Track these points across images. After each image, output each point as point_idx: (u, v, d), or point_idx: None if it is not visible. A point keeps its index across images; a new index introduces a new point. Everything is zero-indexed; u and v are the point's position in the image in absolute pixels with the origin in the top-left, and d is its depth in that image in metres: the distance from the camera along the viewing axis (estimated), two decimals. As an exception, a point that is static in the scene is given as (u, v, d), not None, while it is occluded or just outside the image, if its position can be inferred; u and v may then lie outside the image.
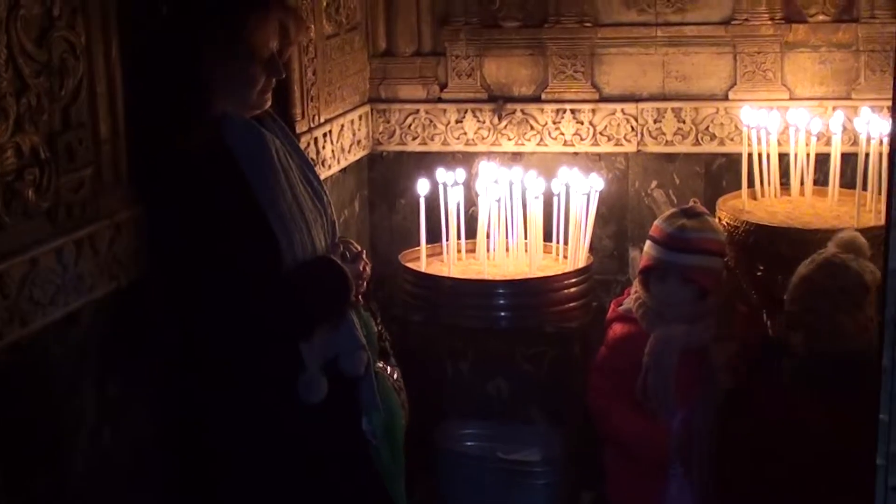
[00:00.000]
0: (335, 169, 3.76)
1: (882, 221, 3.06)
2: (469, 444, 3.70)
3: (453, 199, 3.58)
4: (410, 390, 2.85)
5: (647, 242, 3.23)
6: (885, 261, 1.62)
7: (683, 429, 2.98)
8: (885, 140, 3.34)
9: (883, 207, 3.15)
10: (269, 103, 2.58)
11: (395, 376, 2.79)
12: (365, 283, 2.67)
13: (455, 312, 3.49)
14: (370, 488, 2.68)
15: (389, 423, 2.69)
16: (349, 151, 3.89)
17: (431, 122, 4.08)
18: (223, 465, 2.56)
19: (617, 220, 4.02)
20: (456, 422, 3.74)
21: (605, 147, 3.98)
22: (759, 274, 3.37)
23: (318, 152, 3.58)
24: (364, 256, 2.67)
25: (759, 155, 3.57)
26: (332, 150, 3.71)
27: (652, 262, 3.18)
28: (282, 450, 2.55)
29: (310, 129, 3.51)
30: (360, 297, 2.65)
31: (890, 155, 1.78)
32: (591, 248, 3.68)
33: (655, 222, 3.25)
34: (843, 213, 3.44)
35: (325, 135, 3.64)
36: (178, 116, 2.43)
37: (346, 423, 2.62)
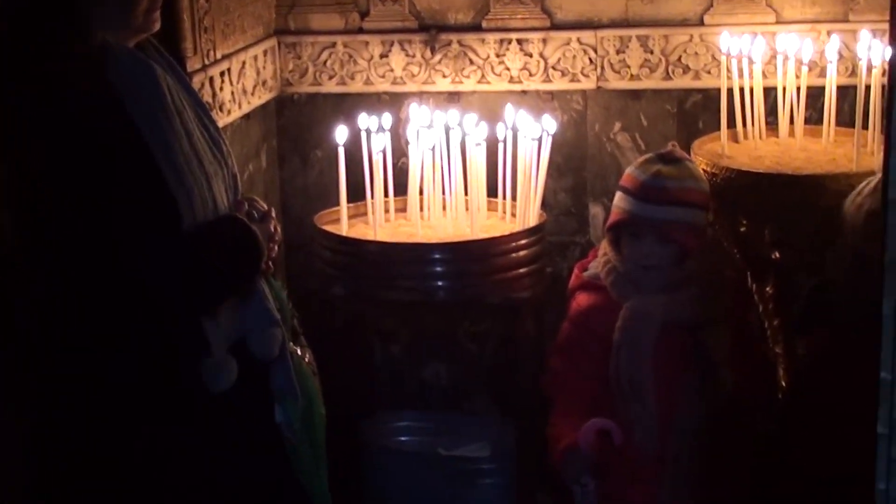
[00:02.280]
0: (236, 115, 3.73)
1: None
2: (404, 439, 3.74)
3: (378, 149, 3.57)
4: (333, 378, 2.90)
5: (618, 194, 3.21)
6: (884, 191, 1.65)
7: (596, 440, 2.99)
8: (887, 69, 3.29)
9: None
10: (157, 25, 2.55)
11: (308, 359, 2.79)
12: (276, 248, 2.66)
13: (384, 284, 3.47)
14: (287, 491, 2.67)
15: (308, 413, 2.69)
16: (253, 94, 3.86)
17: (351, 57, 4.04)
18: (105, 472, 2.52)
19: (574, 171, 4.01)
20: (387, 414, 3.80)
21: (559, 84, 3.96)
22: (742, 230, 3.36)
23: (214, 95, 3.54)
24: (273, 215, 2.67)
25: (741, 89, 3.58)
26: (232, 93, 3.69)
27: (623, 216, 3.16)
28: (181, 449, 2.52)
29: (203, 68, 3.48)
30: (270, 263, 2.63)
31: (890, 77, 1.74)
32: (544, 205, 3.68)
33: (627, 170, 3.23)
34: (840, 155, 3.44)
35: (222, 74, 3.62)
36: (47, 46, 2.38)
37: (257, 415, 2.62)
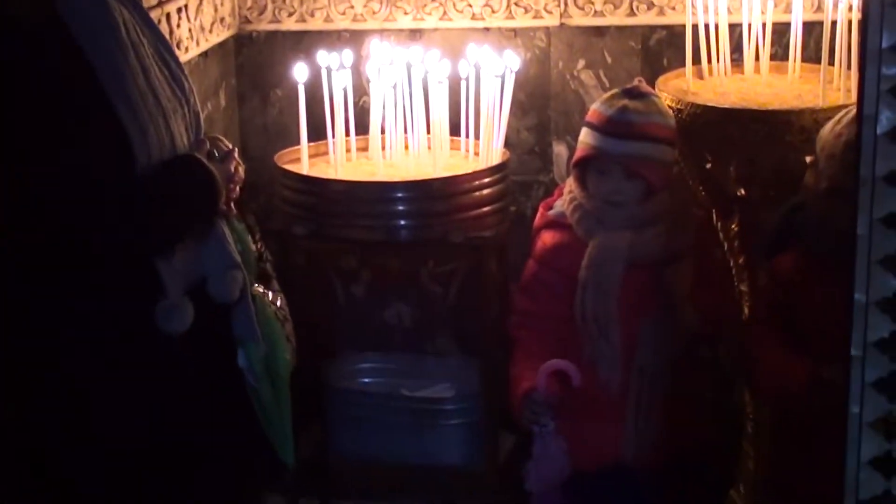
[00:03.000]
0: (194, 53, 3.71)
1: (851, 100, 3.07)
2: (366, 381, 3.79)
3: (339, 88, 3.53)
4: (294, 319, 2.87)
5: (584, 130, 3.23)
6: (859, 109, 1.68)
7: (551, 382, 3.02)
8: (856, 4, 3.33)
9: (853, 84, 3.17)
10: None
11: (279, 303, 2.80)
12: (237, 189, 2.66)
13: (345, 223, 3.47)
14: (248, 437, 2.69)
15: (271, 357, 2.70)
16: (210, 31, 3.84)
17: (311, -8, 4.03)
18: (57, 423, 2.51)
19: (538, 109, 4.01)
20: (350, 356, 3.82)
21: (522, 20, 3.95)
22: (707, 166, 3.37)
23: (171, 32, 3.52)
24: (236, 156, 2.67)
25: (706, 26, 3.54)
26: (190, 30, 3.67)
27: (589, 151, 3.19)
28: (136, 395, 2.52)
29: (160, 3, 3.46)
30: (231, 204, 2.64)
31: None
32: (508, 144, 3.68)
33: (593, 106, 3.26)
34: (806, 91, 3.44)
35: (179, 10, 3.59)
36: None
37: (217, 359, 2.63)
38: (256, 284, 2.75)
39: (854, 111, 2.82)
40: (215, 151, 2.61)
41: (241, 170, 2.68)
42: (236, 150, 2.68)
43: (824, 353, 2.78)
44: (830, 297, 2.82)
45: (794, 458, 2.93)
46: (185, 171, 2.50)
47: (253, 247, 2.75)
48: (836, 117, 2.90)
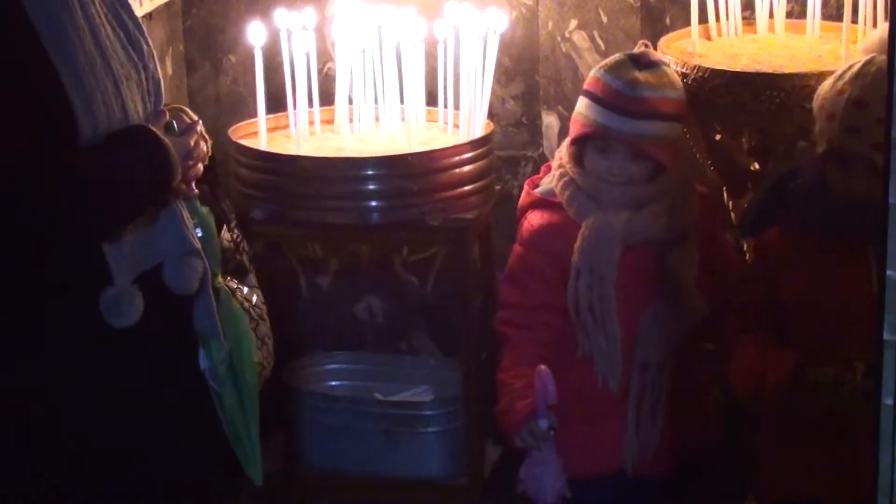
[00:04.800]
0: (137, 14, 3.54)
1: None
2: (334, 384, 3.81)
3: (301, 52, 3.52)
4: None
5: (583, 101, 3.20)
6: (890, 64, 1.64)
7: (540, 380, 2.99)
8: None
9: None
10: None
11: (255, 300, 2.82)
12: (199, 166, 2.64)
13: (308, 205, 3.47)
14: (209, 446, 2.69)
15: (235, 357, 2.69)
16: None
17: (267, -55, 3.99)
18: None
19: (525, 75, 4.00)
20: (316, 356, 3.87)
21: None
22: (716, 138, 3.38)
23: None
24: (201, 130, 2.65)
25: None
26: None
27: (592, 128, 3.16)
28: (76, 397, 2.51)
29: None
30: (192, 184, 2.63)
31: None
32: (492, 114, 3.68)
33: (594, 73, 3.21)
34: (827, 52, 3.45)
35: None
36: None
37: (174, 359, 2.62)
38: (229, 278, 2.76)
39: (859, 64, 2.85)
40: (174, 124, 2.59)
41: (206, 146, 2.66)
42: (200, 123, 2.67)
43: (810, 347, 2.80)
44: (817, 277, 2.87)
45: (779, 462, 2.97)
46: (135, 145, 2.48)
47: (224, 235, 2.76)
48: (838, 73, 2.90)
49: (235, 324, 2.70)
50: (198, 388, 2.65)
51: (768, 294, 2.94)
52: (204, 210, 2.68)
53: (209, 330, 2.63)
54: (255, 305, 2.80)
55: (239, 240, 2.82)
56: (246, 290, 2.79)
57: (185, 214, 2.59)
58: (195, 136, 2.61)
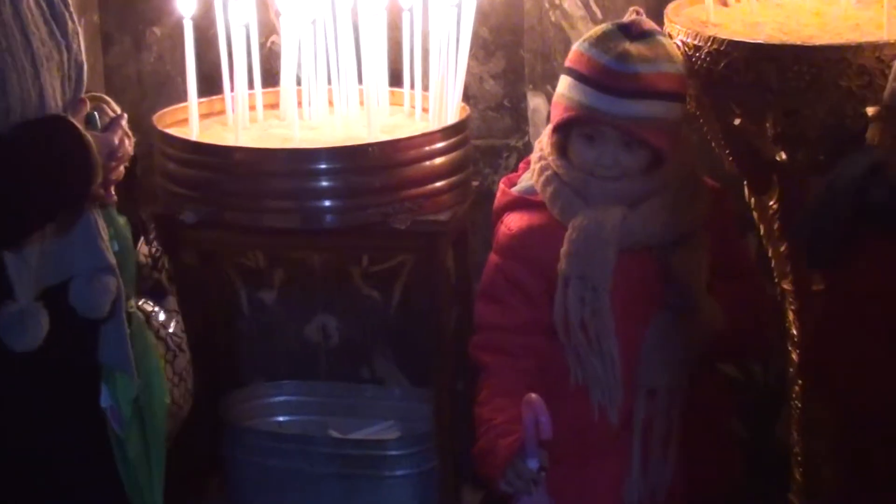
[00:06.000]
0: None
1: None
2: (282, 419, 3.86)
3: (239, 24, 3.55)
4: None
5: (566, 80, 3.21)
6: None
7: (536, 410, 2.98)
8: None
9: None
10: None
11: (173, 327, 2.85)
12: (122, 168, 2.68)
13: (250, 206, 3.48)
14: (102, 495, 2.71)
15: (145, 397, 2.73)
16: None
17: None
18: None
19: (507, 50, 4.03)
20: (259, 387, 3.89)
21: None
22: (735, 123, 3.36)
23: None
24: (124, 124, 2.68)
25: None
26: None
27: (577, 112, 3.16)
28: None
29: None
30: (111, 188, 2.66)
31: None
32: (467, 96, 3.72)
33: (577, 46, 3.23)
34: (866, 20, 3.43)
35: None
36: None
37: (73, 394, 2.64)
38: (144, 300, 2.79)
39: None
40: (96, 116, 2.62)
41: (130, 144, 2.69)
42: (125, 117, 2.69)
43: None
44: None
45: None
46: (51, 138, 2.50)
47: (144, 249, 2.80)
48: None
49: (148, 357, 2.73)
50: (96, 432, 2.67)
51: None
52: (121, 220, 2.71)
53: (118, 362, 2.65)
54: (172, 334, 2.84)
55: (158, 255, 2.84)
56: (163, 315, 2.82)
57: (101, 224, 2.61)
58: (120, 133, 2.64)
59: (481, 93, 4.00)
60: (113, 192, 2.67)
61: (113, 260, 2.61)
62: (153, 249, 2.86)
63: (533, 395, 2.96)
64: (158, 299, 2.85)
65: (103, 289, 2.60)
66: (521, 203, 3.24)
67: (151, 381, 2.73)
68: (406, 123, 3.64)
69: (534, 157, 3.27)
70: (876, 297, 2.73)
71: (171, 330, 2.85)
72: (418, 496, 3.66)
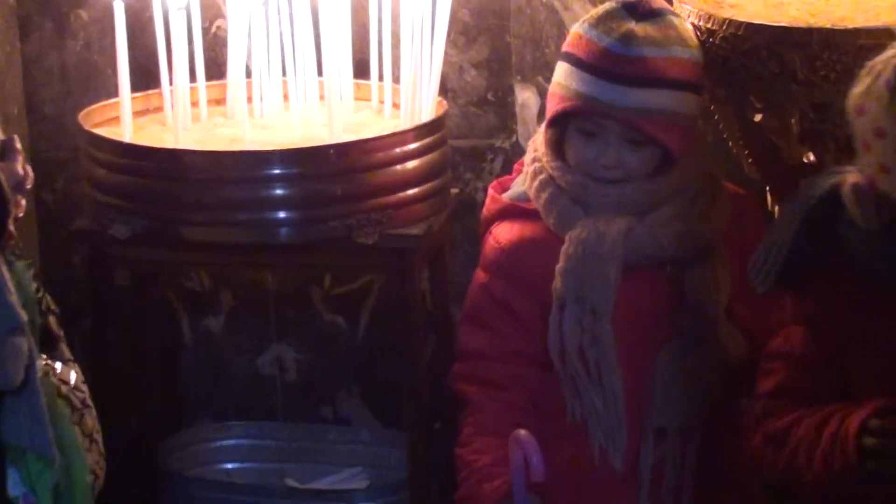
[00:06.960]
0: None
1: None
2: (230, 467, 3.90)
3: (178, 8, 3.56)
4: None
5: (562, 66, 3.21)
6: None
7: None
8: None
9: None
10: None
11: (73, 379, 2.79)
12: (24, 201, 2.67)
13: (193, 218, 3.48)
14: None
15: (67, 480, 2.68)
16: None
17: None
18: None
19: (492, 35, 4.05)
20: (204, 429, 3.90)
21: None
22: (755, 118, 3.39)
23: None
24: (18, 147, 2.67)
25: None
26: None
27: (576, 103, 3.16)
28: None
29: None
30: (12, 227, 2.62)
31: None
32: (445, 89, 3.75)
33: (576, 28, 3.23)
34: None
35: None
36: None
37: None
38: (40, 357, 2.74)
39: None
40: None
41: (29, 170, 2.68)
42: (16, 139, 2.67)
43: None
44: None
45: None
46: None
47: (40, 292, 2.76)
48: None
49: (63, 429, 2.67)
50: None
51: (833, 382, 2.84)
52: (21, 264, 2.68)
53: (31, 441, 2.60)
54: (75, 388, 2.76)
55: (40, 295, 2.77)
56: (59, 366, 2.75)
57: (6, 274, 2.57)
58: (20, 159, 2.64)
59: (461, 85, 4.03)
60: (13, 229, 2.64)
61: (25, 317, 2.56)
62: (35, 289, 2.77)
63: (522, 432, 2.95)
64: (50, 349, 2.78)
65: (16, 353, 2.55)
66: (513, 211, 3.25)
67: (72, 461, 2.67)
68: (373, 121, 3.68)
69: (527, 158, 3.27)
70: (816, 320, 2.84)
71: (72, 383, 2.77)
72: (390, 553, 3.69)
